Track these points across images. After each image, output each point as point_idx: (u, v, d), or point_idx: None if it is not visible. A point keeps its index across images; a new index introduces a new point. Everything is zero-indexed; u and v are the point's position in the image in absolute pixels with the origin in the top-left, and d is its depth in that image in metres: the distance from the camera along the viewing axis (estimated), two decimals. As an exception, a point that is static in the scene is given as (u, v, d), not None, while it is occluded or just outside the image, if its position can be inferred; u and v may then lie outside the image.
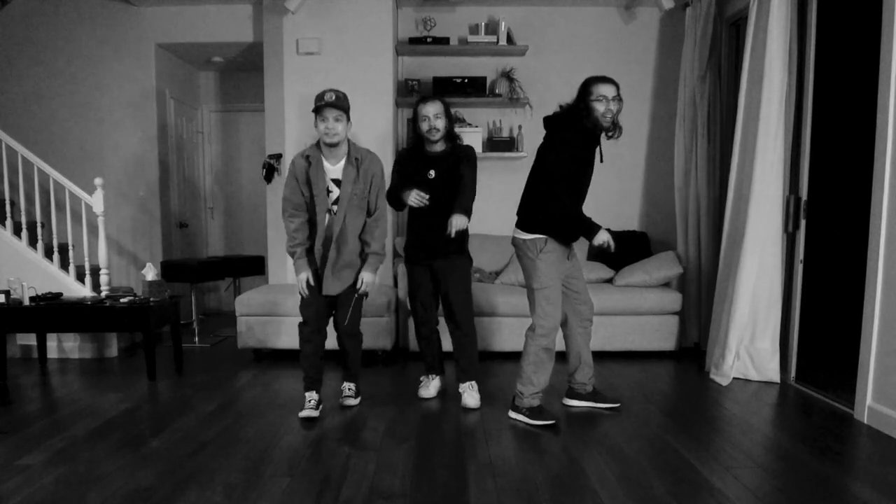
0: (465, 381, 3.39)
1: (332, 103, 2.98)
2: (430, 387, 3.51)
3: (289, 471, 2.48)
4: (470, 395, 3.33)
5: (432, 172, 3.30)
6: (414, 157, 3.37)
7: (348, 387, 3.38)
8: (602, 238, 2.87)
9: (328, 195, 3.11)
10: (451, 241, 3.25)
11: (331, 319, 3.27)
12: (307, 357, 3.19)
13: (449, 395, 3.54)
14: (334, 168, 3.11)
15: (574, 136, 2.92)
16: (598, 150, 3.01)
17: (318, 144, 3.12)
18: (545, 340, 3.02)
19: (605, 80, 2.91)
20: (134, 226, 5.47)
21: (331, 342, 3.32)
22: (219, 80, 6.31)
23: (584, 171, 2.98)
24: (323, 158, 3.10)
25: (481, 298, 4.24)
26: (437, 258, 3.32)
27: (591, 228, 2.88)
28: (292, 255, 3.14)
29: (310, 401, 3.17)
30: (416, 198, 3.19)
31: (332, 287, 3.14)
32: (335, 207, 3.12)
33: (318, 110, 3.00)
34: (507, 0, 4.95)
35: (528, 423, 3.04)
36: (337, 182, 3.11)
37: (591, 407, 3.26)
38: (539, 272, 3.00)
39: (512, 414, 3.12)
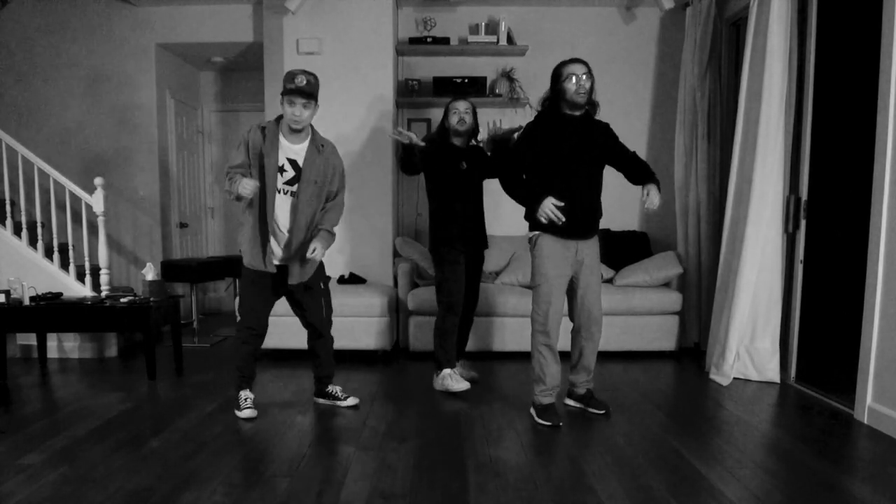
0: (461, 358, 3.82)
1: (303, 90, 2.91)
2: (463, 379, 3.55)
3: (289, 471, 2.48)
4: (468, 370, 3.82)
5: (464, 164, 3.55)
6: (443, 149, 3.58)
7: (338, 389, 3.37)
8: (545, 209, 2.89)
9: (281, 174, 3.01)
10: (482, 231, 3.65)
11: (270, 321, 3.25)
12: (245, 358, 3.19)
13: (449, 393, 3.54)
14: (294, 147, 3.03)
15: (533, 126, 3.04)
16: (576, 132, 2.99)
17: (277, 120, 3.05)
18: (542, 337, 3.04)
19: (572, 60, 2.99)
20: (134, 226, 5.47)
21: (298, 341, 3.33)
22: (219, 80, 6.31)
23: (551, 157, 2.98)
24: (281, 135, 3.01)
25: (481, 298, 4.24)
26: (472, 248, 3.61)
27: (533, 198, 2.96)
28: (230, 182, 2.91)
29: (246, 399, 3.19)
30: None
31: (299, 275, 3.10)
32: (287, 188, 3.03)
33: (287, 92, 2.92)
34: (507, 0, 4.95)
35: (533, 419, 3.09)
36: (293, 163, 3.03)
37: (582, 409, 3.27)
38: (534, 268, 3.08)
39: (531, 409, 3.19)
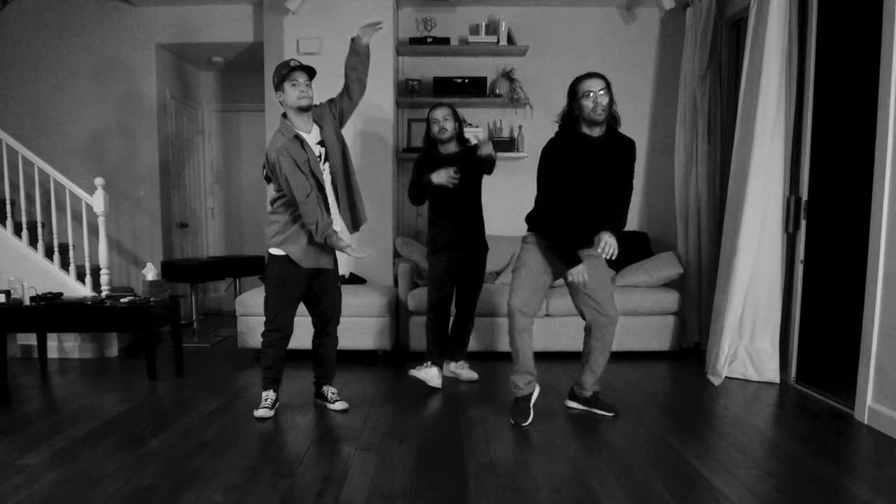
0: (461, 359, 3.86)
1: (302, 66, 2.95)
2: (433, 374, 3.60)
3: (289, 471, 2.48)
4: (468, 371, 3.84)
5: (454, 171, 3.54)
6: (431, 160, 3.60)
7: (332, 391, 3.35)
8: (575, 274, 2.89)
9: (319, 161, 3.06)
10: (475, 235, 3.65)
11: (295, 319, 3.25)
12: (270, 359, 3.18)
13: (450, 394, 3.54)
14: (312, 134, 3.05)
15: (550, 144, 2.97)
16: (596, 156, 2.92)
17: (284, 117, 3.03)
18: (511, 319, 3.04)
19: (589, 75, 2.90)
20: (134, 226, 5.47)
21: (300, 342, 3.36)
22: (219, 80, 6.31)
23: (571, 178, 2.92)
24: (300, 132, 3.01)
25: (482, 298, 4.23)
26: (461, 251, 3.61)
27: (569, 258, 2.91)
28: (327, 235, 2.96)
29: (266, 399, 3.19)
30: (447, 177, 3.40)
31: (363, 215, 3.22)
32: (326, 167, 3.07)
33: (286, 76, 2.92)
34: (507, 0, 4.95)
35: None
36: (321, 143, 3.07)
37: (588, 411, 3.25)
38: (519, 256, 3.11)
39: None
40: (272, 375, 3.21)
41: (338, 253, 3.29)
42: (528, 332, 3.04)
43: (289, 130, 2.98)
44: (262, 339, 3.18)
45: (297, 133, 2.98)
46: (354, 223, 3.23)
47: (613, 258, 2.91)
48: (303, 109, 2.98)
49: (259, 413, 3.14)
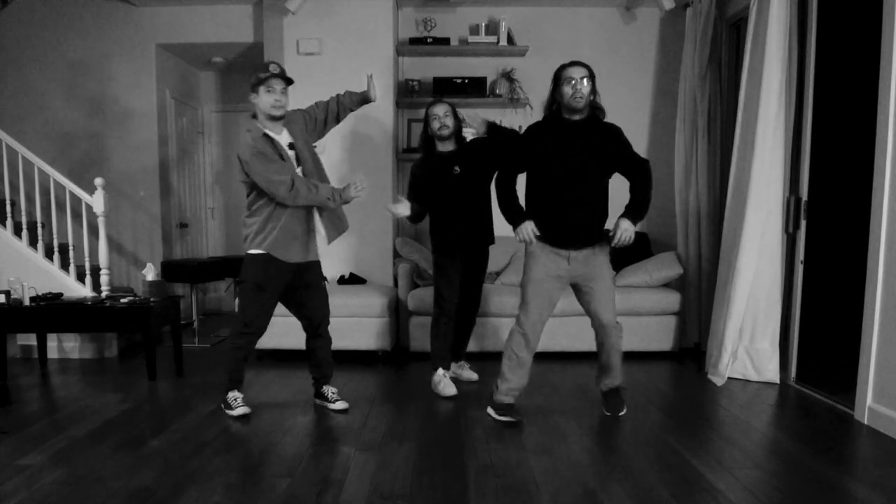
0: (461, 359, 3.87)
1: (282, 74, 2.94)
2: (451, 384, 3.56)
3: (289, 471, 2.48)
4: (468, 371, 3.86)
5: (457, 168, 3.47)
6: (431, 162, 3.53)
7: (332, 390, 3.33)
8: (522, 232, 2.90)
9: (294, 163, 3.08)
10: (483, 231, 3.57)
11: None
12: (239, 363, 3.18)
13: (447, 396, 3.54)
14: (283, 136, 3.06)
15: (532, 128, 3.01)
16: (576, 138, 2.92)
17: (254, 117, 3.03)
18: (518, 337, 3.01)
19: (573, 63, 2.94)
20: (134, 226, 5.47)
21: (297, 341, 3.37)
22: (219, 80, 6.31)
23: (547, 163, 2.93)
24: (270, 133, 3.01)
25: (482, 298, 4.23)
26: (472, 249, 3.57)
27: (513, 217, 2.97)
28: (326, 196, 2.96)
29: (235, 399, 3.19)
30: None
31: (331, 234, 3.21)
32: (299, 169, 3.07)
33: (264, 81, 2.91)
34: (507, 0, 4.95)
35: (493, 417, 3.09)
36: (291, 146, 3.07)
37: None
38: (524, 267, 3.06)
39: (488, 409, 3.15)
40: (238, 377, 3.22)
41: (336, 254, 3.29)
42: (524, 369, 3.04)
43: (257, 129, 2.98)
44: (232, 342, 3.15)
45: (266, 132, 2.99)
46: (337, 229, 3.20)
47: (626, 244, 2.92)
48: (274, 118, 2.99)
49: (240, 412, 3.13)
